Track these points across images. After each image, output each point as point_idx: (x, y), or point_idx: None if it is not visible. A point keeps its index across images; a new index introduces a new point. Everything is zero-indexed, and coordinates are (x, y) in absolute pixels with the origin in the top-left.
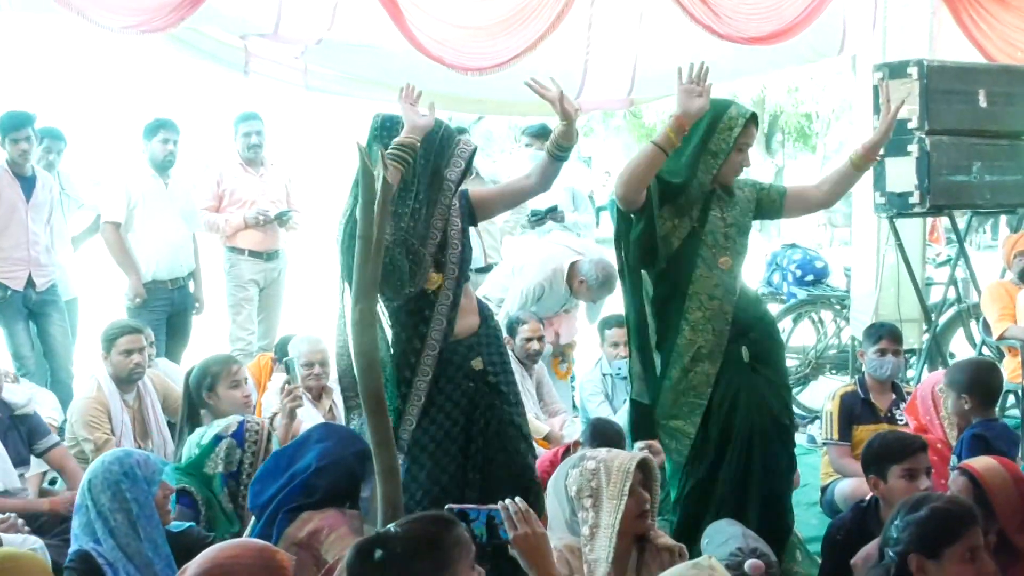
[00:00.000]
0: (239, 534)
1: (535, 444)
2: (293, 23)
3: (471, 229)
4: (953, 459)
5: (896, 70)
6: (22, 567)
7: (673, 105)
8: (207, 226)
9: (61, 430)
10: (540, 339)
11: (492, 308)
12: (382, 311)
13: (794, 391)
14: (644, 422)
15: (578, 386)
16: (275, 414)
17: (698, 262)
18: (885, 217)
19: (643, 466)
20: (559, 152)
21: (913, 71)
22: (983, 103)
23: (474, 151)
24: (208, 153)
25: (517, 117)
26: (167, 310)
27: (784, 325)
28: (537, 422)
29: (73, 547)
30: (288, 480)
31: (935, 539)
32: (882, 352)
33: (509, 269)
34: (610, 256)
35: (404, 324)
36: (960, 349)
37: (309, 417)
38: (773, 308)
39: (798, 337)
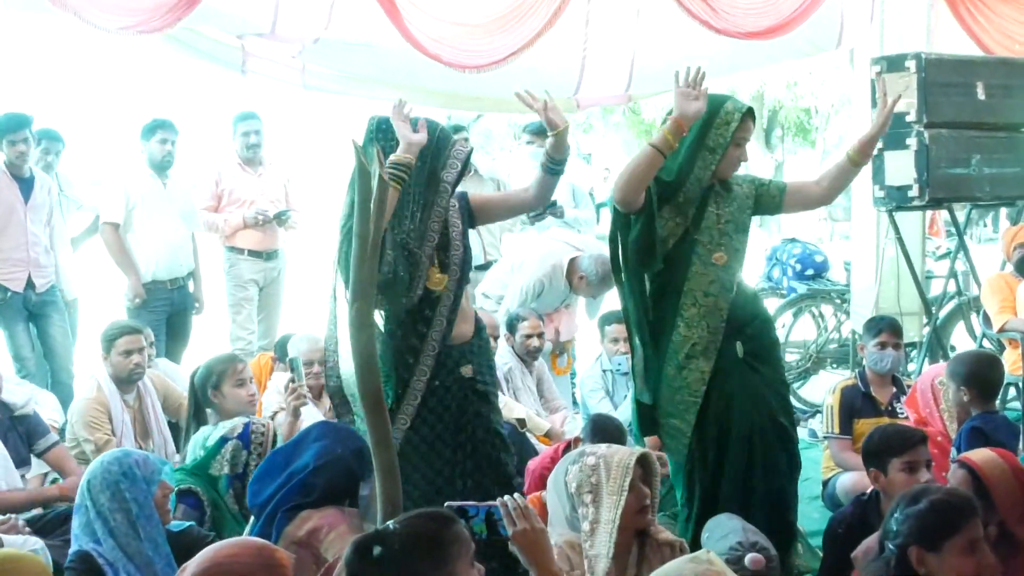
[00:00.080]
0: None
1: (536, 441)
2: (290, 22)
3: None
4: (953, 452)
5: (894, 63)
6: (22, 568)
7: (671, 101)
8: (206, 226)
9: (62, 431)
10: (540, 336)
11: (492, 305)
12: (379, 312)
13: (795, 386)
14: (646, 421)
15: (578, 382)
16: (275, 412)
17: (693, 259)
18: (884, 211)
19: (643, 461)
20: (553, 166)
21: (911, 64)
22: (981, 96)
23: (470, 152)
24: (207, 153)
25: (516, 114)
26: (167, 310)
27: (784, 320)
28: (538, 419)
29: (73, 547)
30: (287, 479)
31: (935, 531)
32: (882, 345)
33: (508, 266)
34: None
35: (403, 323)
36: (961, 342)
37: (309, 416)
38: (773, 303)
39: (798, 332)
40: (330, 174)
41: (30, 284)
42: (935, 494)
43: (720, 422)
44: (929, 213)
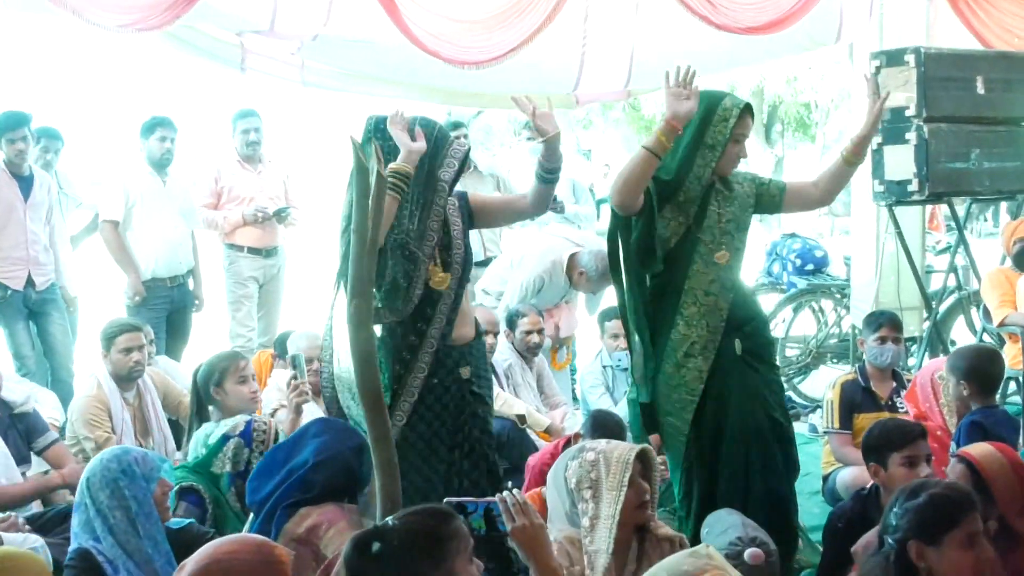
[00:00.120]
0: None
1: (536, 437)
2: (289, 19)
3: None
4: (952, 446)
5: (893, 58)
6: (22, 566)
7: None
8: (206, 223)
9: (62, 429)
10: (540, 332)
11: (492, 301)
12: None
13: (795, 381)
14: (647, 419)
15: (579, 378)
16: (276, 410)
17: (695, 257)
18: (884, 205)
19: (643, 457)
20: (545, 175)
21: (910, 59)
22: (981, 90)
23: (468, 151)
24: (206, 151)
25: (516, 111)
26: (167, 308)
27: (784, 315)
28: (538, 415)
29: (73, 545)
30: (286, 476)
31: (934, 525)
32: (882, 340)
33: (508, 262)
34: None
35: (403, 320)
36: (961, 337)
37: (309, 413)
38: (773, 298)
39: (799, 327)
40: (329, 171)
41: (30, 282)
42: (934, 488)
43: (718, 420)
44: (929, 207)
